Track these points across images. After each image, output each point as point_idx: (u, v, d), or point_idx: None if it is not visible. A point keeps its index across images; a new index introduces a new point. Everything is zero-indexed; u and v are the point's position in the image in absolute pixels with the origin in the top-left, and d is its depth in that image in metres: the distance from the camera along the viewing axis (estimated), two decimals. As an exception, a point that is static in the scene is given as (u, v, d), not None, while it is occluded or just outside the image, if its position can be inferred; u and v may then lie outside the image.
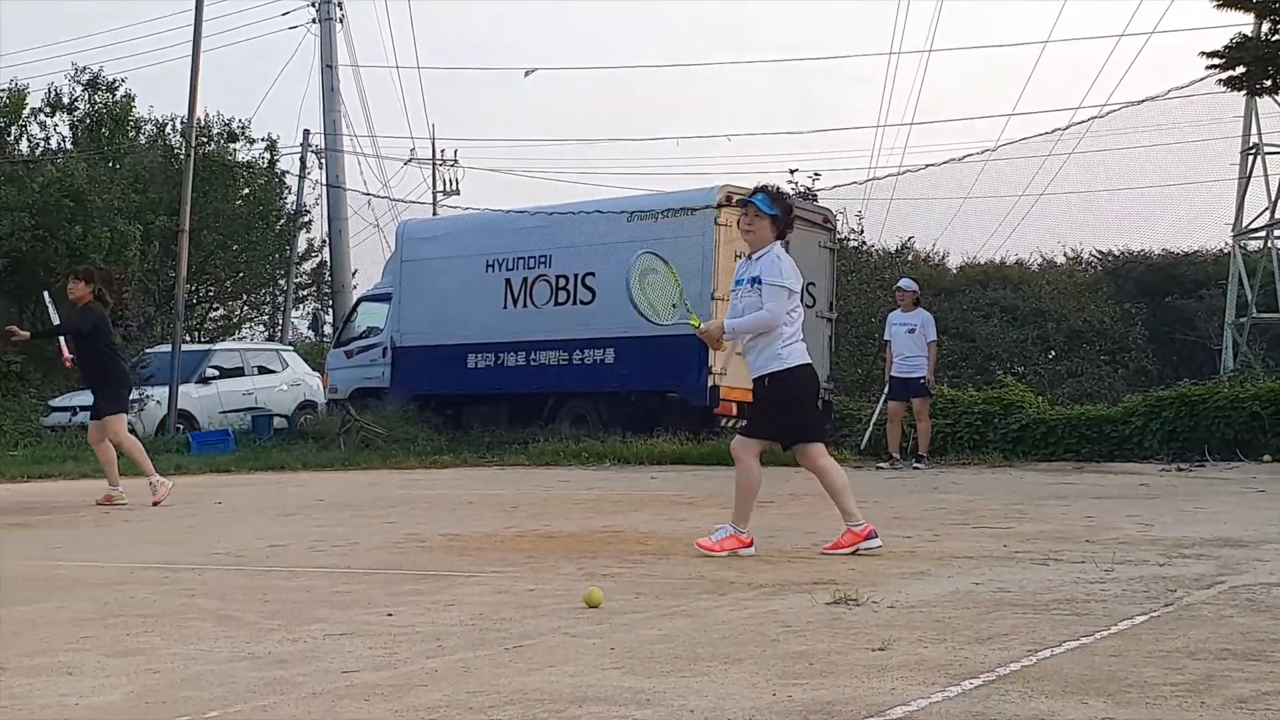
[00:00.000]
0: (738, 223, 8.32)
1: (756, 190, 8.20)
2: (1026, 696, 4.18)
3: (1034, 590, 6.33)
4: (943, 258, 28.53)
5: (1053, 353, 24.39)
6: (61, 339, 13.51)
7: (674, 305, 8.31)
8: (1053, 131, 24.00)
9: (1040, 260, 28.78)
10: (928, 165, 25.68)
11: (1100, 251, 28.80)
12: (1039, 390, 20.09)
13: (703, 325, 8.18)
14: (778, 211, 8.05)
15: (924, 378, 17.28)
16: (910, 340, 17.30)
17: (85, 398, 24.14)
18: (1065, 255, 29.20)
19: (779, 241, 8.09)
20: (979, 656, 4.79)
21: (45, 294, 14.54)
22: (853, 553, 7.88)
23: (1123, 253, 28.27)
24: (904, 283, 18.03)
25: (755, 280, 7.99)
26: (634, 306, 8.27)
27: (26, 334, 14.29)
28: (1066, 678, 4.43)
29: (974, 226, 26.41)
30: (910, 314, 17.46)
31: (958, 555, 7.77)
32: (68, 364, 13.51)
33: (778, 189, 8.31)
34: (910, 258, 26.84)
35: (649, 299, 8.33)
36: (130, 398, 13.93)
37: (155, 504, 12.62)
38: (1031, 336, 24.15)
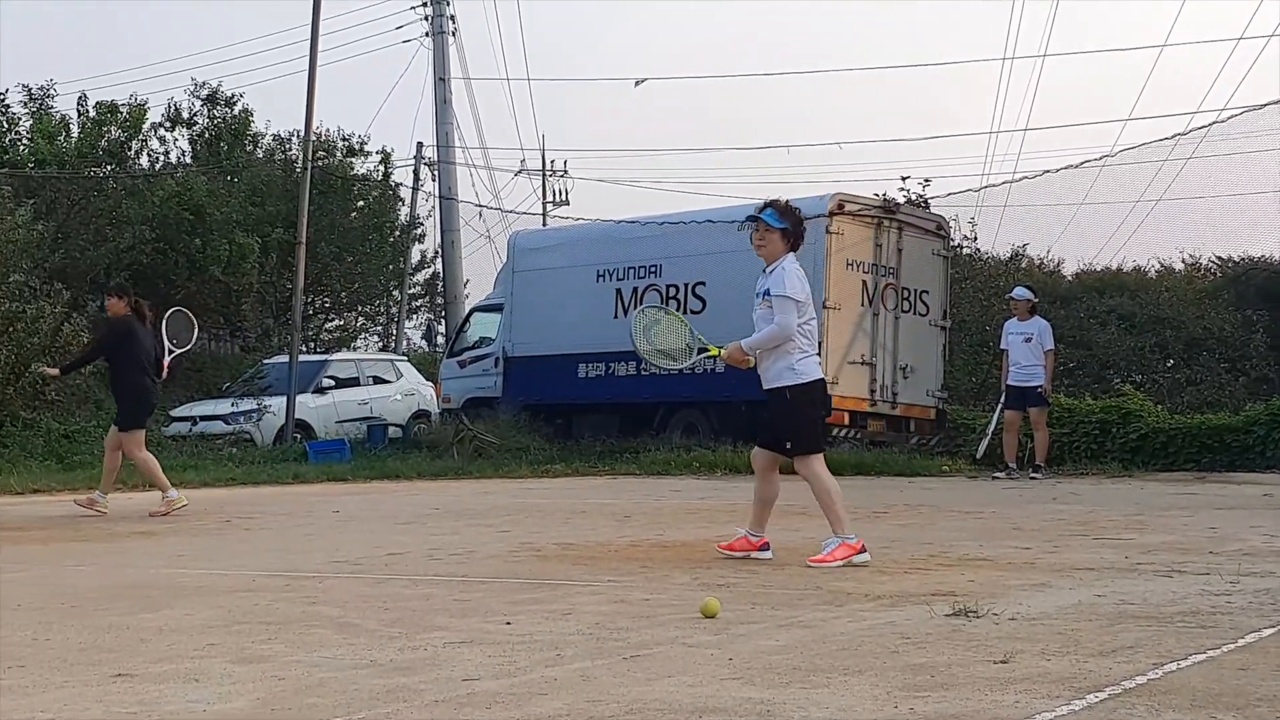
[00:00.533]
0: (750, 238, 8.44)
1: (765, 205, 8.36)
2: (1153, 710, 4.12)
3: (1158, 603, 6.24)
4: (1058, 265, 28.15)
5: (1171, 361, 23.96)
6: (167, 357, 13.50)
7: (688, 345, 8.48)
8: (1172, 137, 23.63)
9: (1158, 267, 28.32)
10: (1045, 172, 25.39)
11: (1220, 257, 28.25)
12: (1158, 399, 19.75)
13: (723, 351, 8.30)
14: (787, 225, 8.23)
15: (1041, 387, 17.09)
16: (1027, 349, 17.12)
17: (204, 407, 24.67)
18: (1184, 262, 28.68)
19: (791, 253, 8.26)
20: (1103, 670, 4.73)
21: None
22: (844, 565, 7.90)
23: (1243, 259, 27.71)
24: (1019, 291, 17.85)
25: (767, 293, 8.17)
26: (651, 364, 8.54)
27: (56, 370, 14.23)
28: (1193, 692, 4.36)
29: (1090, 233, 26.05)
30: (1027, 322, 17.29)
31: (1079, 567, 7.68)
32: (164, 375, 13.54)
33: (786, 202, 8.44)
34: (1024, 265, 26.50)
35: (664, 349, 8.56)
36: (148, 416, 13.90)
37: (155, 515, 12.66)
38: (1149, 344, 23.76)
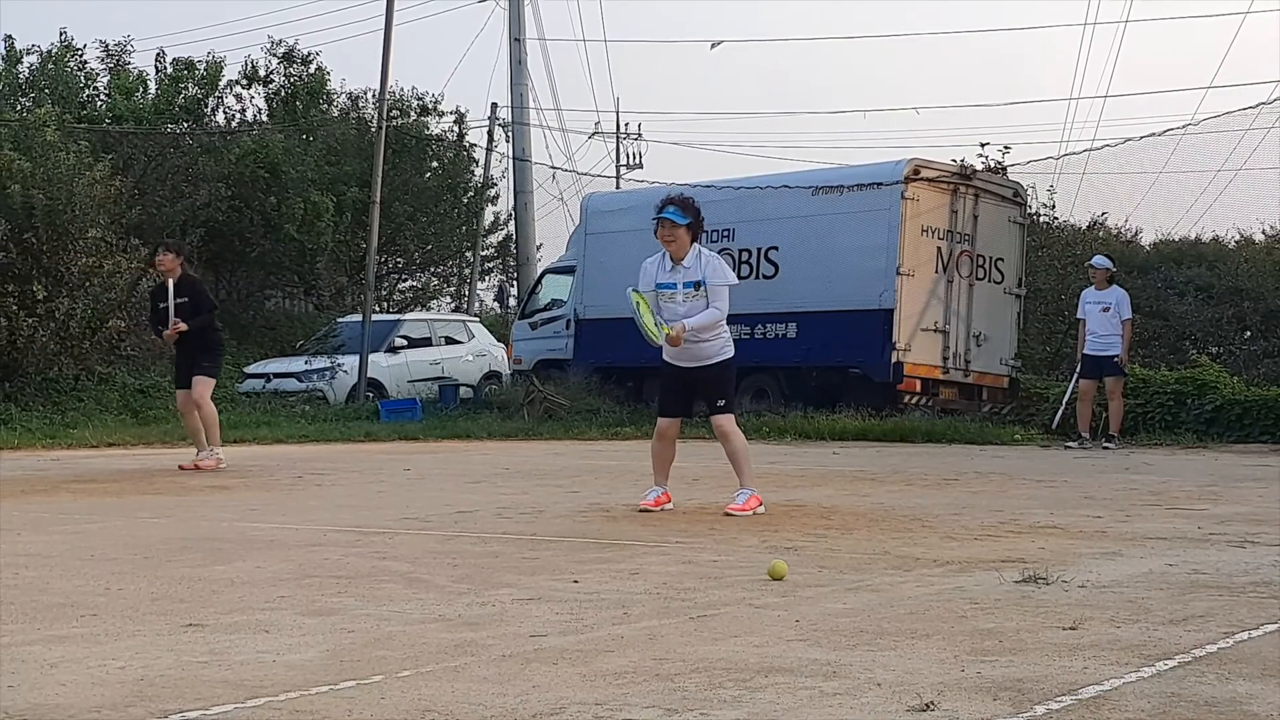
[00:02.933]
0: (658, 234, 9.00)
1: (666, 204, 8.97)
2: (1224, 679, 4.09)
3: (1230, 572, 6.18)
4: (1135, 234, 27.81)
5: (1249, 332, 23.64)
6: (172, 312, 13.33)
7: (657, 325, 8.93)
8: (1255, 105, 23.23)
9: (1237, 237, 27.93)
10: (1126, 140, 25.03)
11: (1300, 229, 27.87)
12: (1234, 371, 19.49)
13: (671, 331, 8.81)
14: (690, 219, 8.90)
15: (1118, 356, 16.94)
16: (1104, 318, 16.96)
17: (279, 364, 24.88)
18: (1264, 233, 28.29)
19: (696, 243, 8.99)
20: (1174, 638, 4.69)
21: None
22: (753, 514, 8.66)
23: (1325, 230, 27.32)
24: (1098, 260, 17.67)
25: (699, 284, 8.86)
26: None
27: (184, 326, 14.22)
28: (1265, 660, 4.32)
29: (1169, 202, 25.70)
30: (1104, 292, 17.12)
31: (1150, 536, 7.61)
32: (173, 335, 13.32)
33: (682, 195, 9.25)
34: (1102, 234, 26.19)
35: (648, 327, 8.99)
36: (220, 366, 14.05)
37: (189, 468, 12.80)
38: (1227, 315, 23.44)
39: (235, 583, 6.12)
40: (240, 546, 7.37)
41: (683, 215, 8.87)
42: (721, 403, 9.07)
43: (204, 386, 13.37)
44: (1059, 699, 3.87)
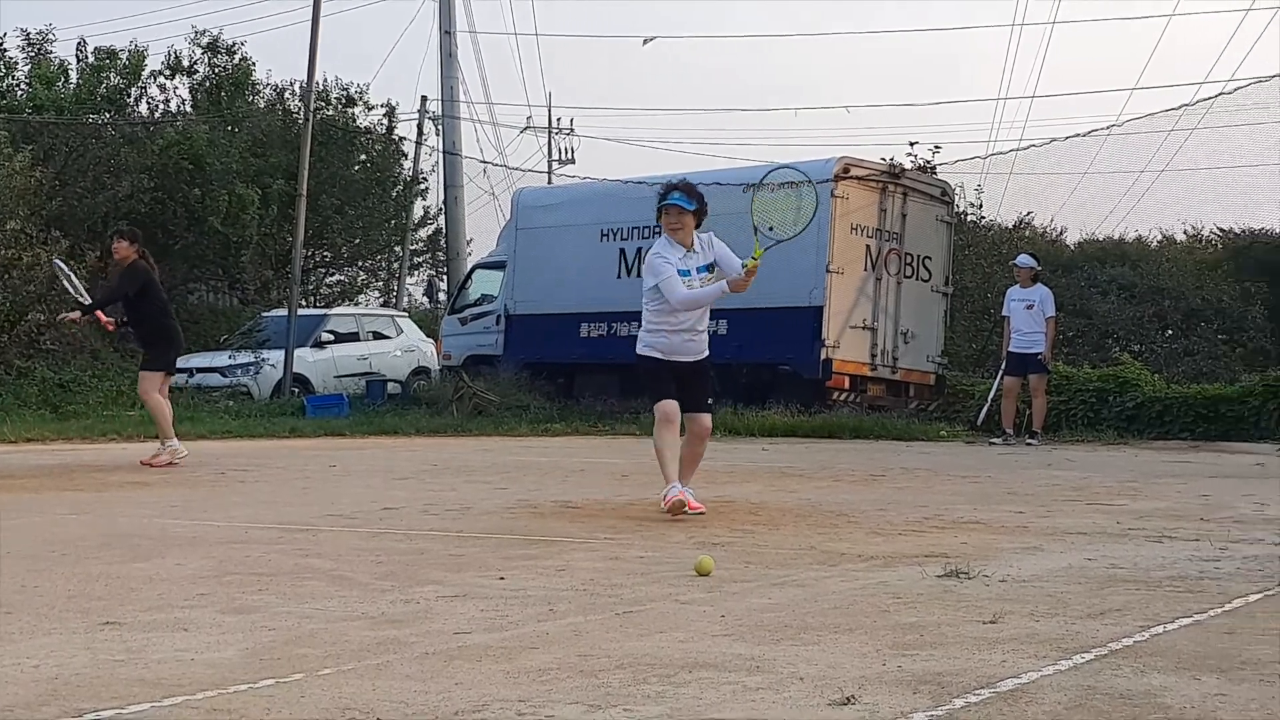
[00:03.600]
0: (666, 226, 8.88)
1: (671, 190, 8.83)
2: (1139, 671, 4.13)
3: (1147, 567, 6.25)
4: (1060, 233, 28.07)
5: (1170, 331, 23.94)
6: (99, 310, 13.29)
7: (771, 229, 8.83)
8: (1178, 107, 23.53)
9: (1160, 237, 28.26)
10: (1052, 140, 25.29)
11: (1221, 229, 28.20)
12: (1155, 368, 19.74)
13: (749, 266, 8.58)
14: (695, 205, 8.76)
15: (1041, 354, 17.11)
16: (1028, 316, 17.14)
17: (202, 359, 24.63)
18: (1185, 232, 28.64)
19: (698, 228, 8.84)
20: (1091, 631, 4.74)
21: (56, 261, 14.49)
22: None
23: (1244, 231, 27.67)
24: (1023, 259, 17.84)
25: (712, 265, 8.79)
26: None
27: (76, 314, 13.82)
28: (1179, 654, 4.38)
29: (1093, 202, 25.97)
30: (1029, 290, 17.31)
31: (1071, 531, 7.69)
32: (110, 328, 13.47)
33: (685, 181, 9.10)
34: (1028, 233, 26.43)
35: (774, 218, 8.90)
36: (176, 358, 13.75)
37: (147, 464, 12.50)
38: (1149, 314, 23.72)
39: (154, 580, 6.06)
40: (160, 544, 7.30)
41: (689, 201, 8.72)
42: (711, 400, 9.00)
43: (141, 381, 13.22)
44: (977, 692, 3.90)
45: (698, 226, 8.81)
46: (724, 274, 8.74)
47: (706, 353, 8.90)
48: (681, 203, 8.70)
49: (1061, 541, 7.24)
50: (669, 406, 8.71)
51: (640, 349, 8.93)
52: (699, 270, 8.73)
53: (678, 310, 8.67)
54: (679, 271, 8.67)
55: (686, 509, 8.41)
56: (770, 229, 8.78)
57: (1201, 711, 3.72)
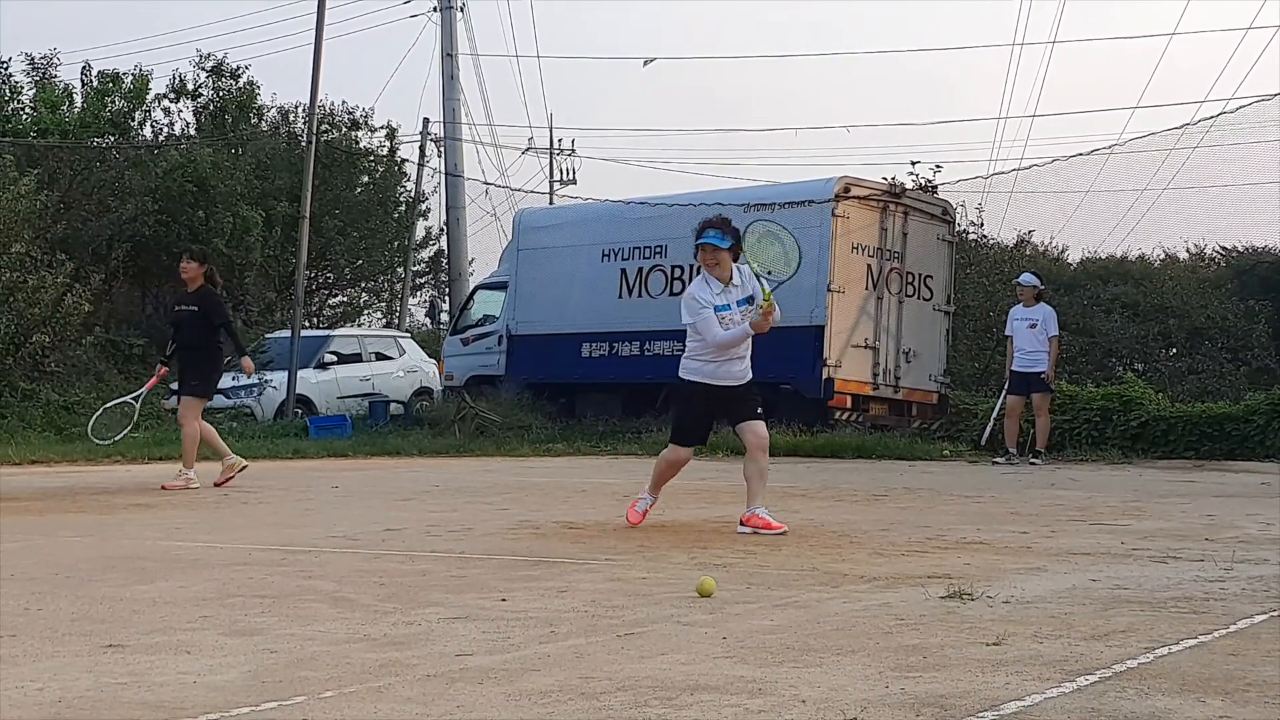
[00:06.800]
0: (702, 263, 8.93)
1: (706, 229, 8.84)
2: (1143, 694, 4.12)
3: (1152, 588, 6.24)
4: (1062, 252, 28.12)
5: (1174, 349, 23.95)
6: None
7: (770, 273, 8.91)
8: (1179, 126, 23.56)
9: (1162, 256, 28.30)
10: (1054, 159, 25.33)
11: (1224, 247, 28.23)
12: (1159, 387, 19.73)
13: (768, 305, 8.73)
14: (731, 241, 8.80)
15: (1044, 373, 17.09)
16: (1031, 335, 17.12)
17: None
18: (1188, 251, 28.67)
19: (735, 262, 8.88)
20: (1095, 653, 4.73)
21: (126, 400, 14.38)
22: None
23: (1247, 249, 27.70)
24: (1025, 278, 17.84)
25: (751, 299, 8.80)
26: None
27: (164, 369, 13.83)
28: (1184, 676, 4.37)
29: (1095, 221, 26.00)
30: (1032, 309, 17.29)
31: (1075, 552, 7.68)
32: (154, 382, 13.58)
33: (720, 217, 9.06)
34: (1030, 251, 26.46)
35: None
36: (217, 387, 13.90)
37: (168, 488, 12.53)
38: (1153, 333, 23.74)
39: (157, 603, 6.05)
40: (163, 566, 7.29)
41: (724, 238, 8.77)
42: (760, 409, 9.02)
43: (187, 406, 13.14)
44: (981, 715, 3.89)
45: (735, 258, 8.85)
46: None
47: (750, 376, 8.95)
48: (716, 240, 8.76)
49: (1065, 562, 7.22)
50: (683, 454, 9.16)
51: (683, 374, 9.08)
52: (738, 304, 8.80)
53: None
54: (718, 307, 8.76)
55: (758, 529, 8.65)
56: (769, 273, 8.90)
57: (1205, 733, 3.71)
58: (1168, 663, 4.58)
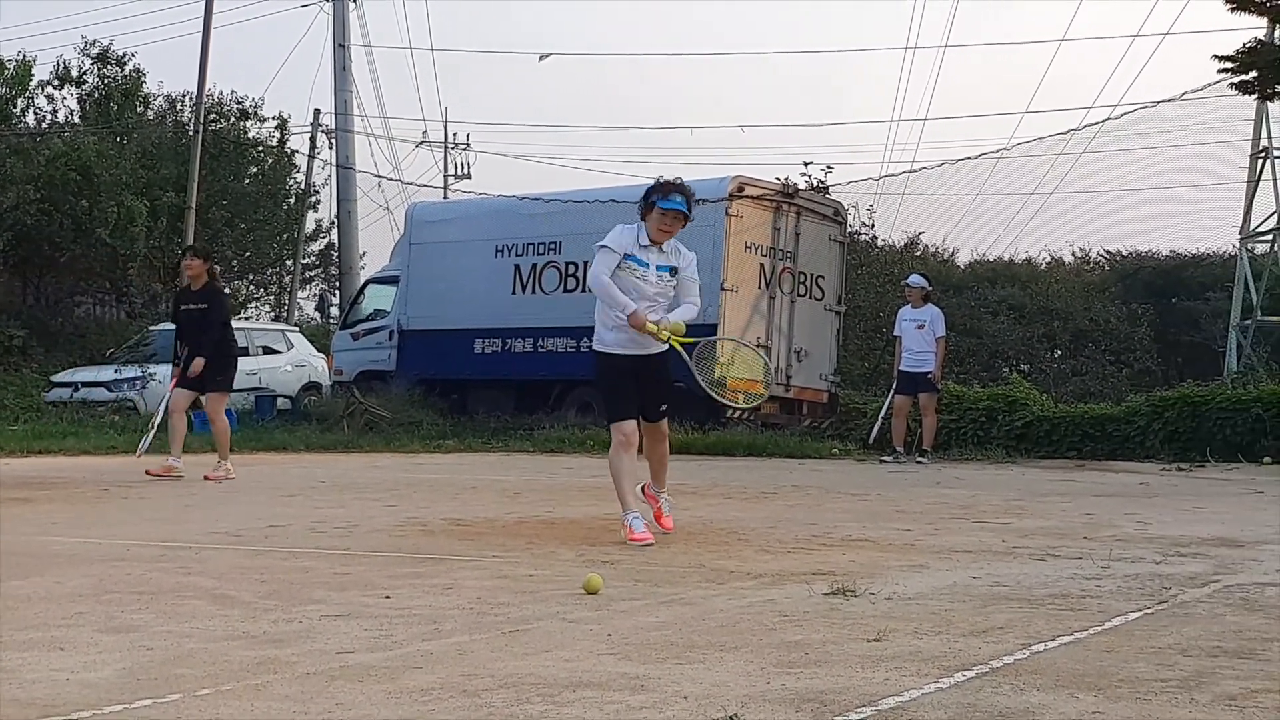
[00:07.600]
0: (654, 223, 8.24)
1: (674, 193, 8.23)
2: (1018, 689, 4.18)
3: (1030, 585, 6.33)
4: (952, 254, 28.52)
5: (1058, 351, 24.36)
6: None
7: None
8: (1066, 132, 23.96)
9: (1049, 259, 28.79)
10: (943, 162, 25.65)
11: (1108, 252, 28.79)
12: (1044, 388, 20.05)
13: (669, 328, 8.18)
14: (690, 214, 8.31)
15: (931, 373, 17.28)
16: (919, 336, 17.30)
17: (88, 373, 24.22)
18: (1074, 254, 29.20)
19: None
20: (973, 649, 4.79)
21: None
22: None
23: (1130, 253, 28.24)
24: (914, 279, 18.02)
25: (673, 270, 8.27)
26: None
27: (200, 361, 13.48)
28: (1058, 672, 4.43)
29: (984, 224, 26.38)
30: (920, 310, 17.47)
31: (957, 549, 7.77)
32: (196, 373, 13.39)
33: (683, 183, 8.39)
34: (919, 253, 26.78)
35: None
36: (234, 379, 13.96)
37: (210, 478, 12.76)
38: (1038, 335, 24.13)
39: (32, 599, 5.93)
40: (40, 561, 7.15)
41: (689, 209, 8.20)
42: (666, 406, 8.41)
43: (217, 402, 13.46)
44: (859, 710, 3.92)
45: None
46: (681, 290, 8.27)
47: (666, 345, 8.23)
48: (682, 207, 8.17)
49: (947, 560, 7.30)
50: (628, 428, 8.17)
51: (598, 346, 8.36)
52: (659, 268, 8.19)
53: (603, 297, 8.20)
54: (634, 258, 8.17)
55: (629, 539, 7.92)
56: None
57: (1078, 728, 3.76)
58: (1043, 659, 4.65)
